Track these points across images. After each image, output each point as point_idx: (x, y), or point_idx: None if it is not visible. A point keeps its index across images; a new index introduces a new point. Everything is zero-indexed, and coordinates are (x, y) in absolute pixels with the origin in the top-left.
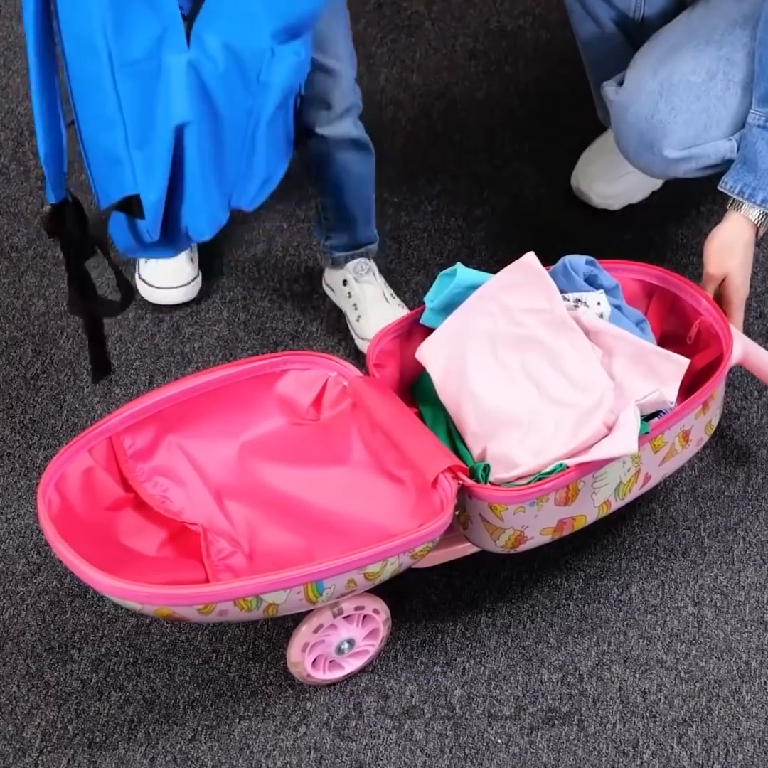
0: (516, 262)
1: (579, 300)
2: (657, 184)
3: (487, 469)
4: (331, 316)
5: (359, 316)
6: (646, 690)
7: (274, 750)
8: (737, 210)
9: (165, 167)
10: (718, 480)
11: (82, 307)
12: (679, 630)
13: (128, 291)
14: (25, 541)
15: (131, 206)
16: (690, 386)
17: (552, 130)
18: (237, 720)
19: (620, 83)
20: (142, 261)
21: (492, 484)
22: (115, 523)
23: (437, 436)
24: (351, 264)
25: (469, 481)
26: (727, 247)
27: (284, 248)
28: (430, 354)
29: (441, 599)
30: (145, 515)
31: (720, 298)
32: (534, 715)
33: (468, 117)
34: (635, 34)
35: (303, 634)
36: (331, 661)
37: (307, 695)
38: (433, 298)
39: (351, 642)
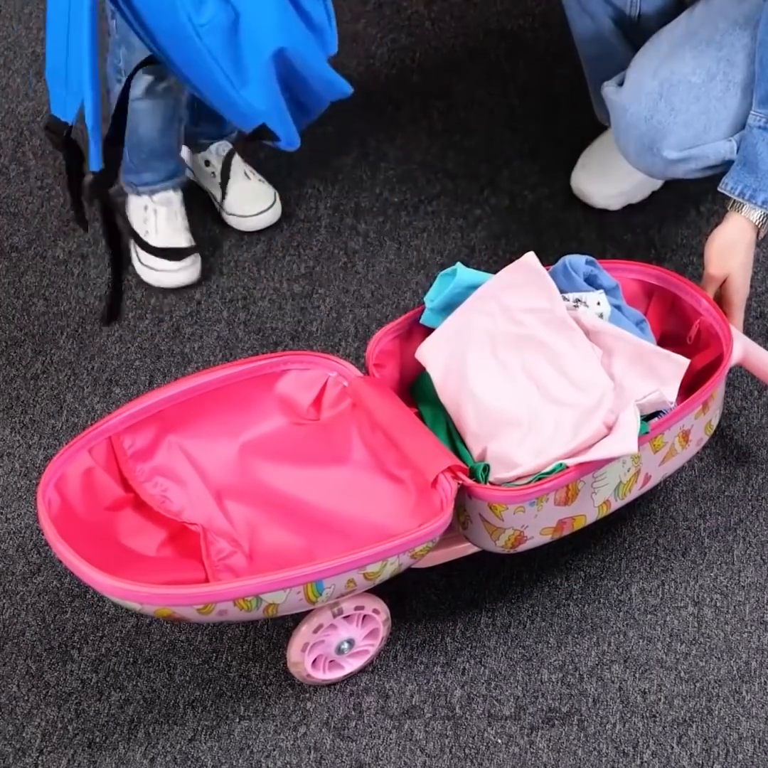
0: (516, 262)
1: (579, 300)
2: (657, 184)
3: (487, 469)
4: (330, 316)
5: (225, 194)
6: (646, 690)
7: (274, 750)
8: (738, 211)
9: (274, 93)
10: (718, 480)
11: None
12: (679, 630)
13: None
14: (25, 541)
15: (263, 134)
16: (690, 386)
17: (552, 130)
18: (237, 720)
19: (620, 83)
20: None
21: (492, 484)
22: (115, 523)
23: (437, 436)
24: (213, 146)
25: (469, 481)
26: (728, 249)
27: (284, 248)
28: (429, 354)
29: (441, 599)
30: (145, 515)
31: (720, 299)
32: (534, 715)
33: (468, 117)
34: (632, 32)
35: (303, 634)
36: (330, 661)
37: (307, 695)
38: (433, 297)
39: (351, 642)
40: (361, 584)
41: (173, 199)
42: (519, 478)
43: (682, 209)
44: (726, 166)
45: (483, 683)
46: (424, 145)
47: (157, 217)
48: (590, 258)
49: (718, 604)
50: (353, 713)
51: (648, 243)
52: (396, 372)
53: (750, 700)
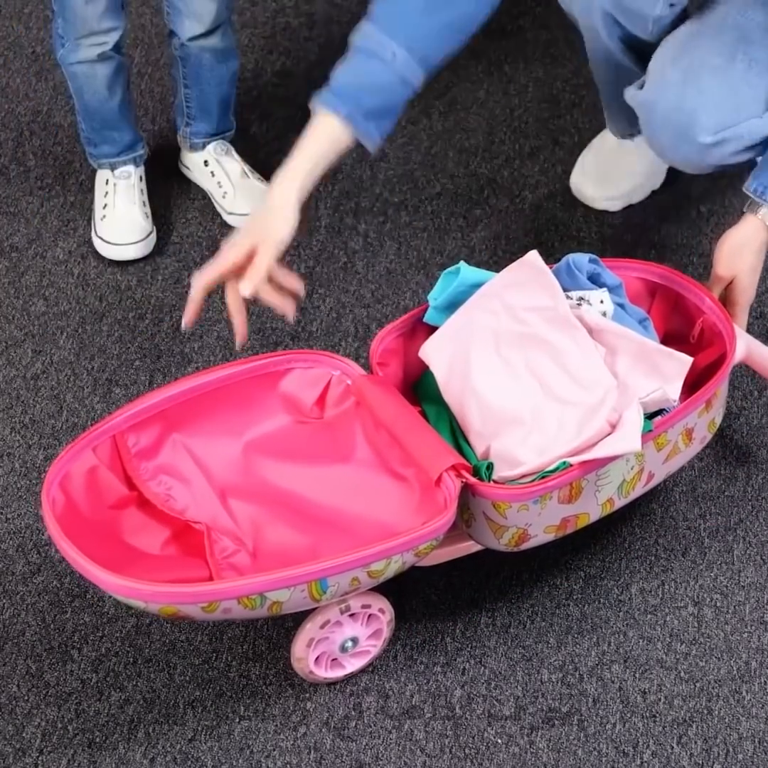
0: (519, 260)
1: (582, 298)
2: (656, 183)
3: (490, 467)
4: (330, 316)
5: (225, 193)
6: (646, 690)
7: (274, 750)
8: (754, 213)
9: None
10: (718, 480)
11: None
12: (679, 630)
13: None
14: (25, 541)
15: None
16: (693, 384)
17: (552, 130)
18: (237, 720)
19: (640, 87)
20: (98, 219)
21: (495, 482)
22: (119, 521)
23: (441, 435)
24: (210, 146)
25: (472, 480)
26: (739, 250)
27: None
28: (433, 352)
29: (441, 599)
30: (149, 514)
31: (725, 299)
32: (534, 715)
33: (468, 117)
34: (650, 52)
35: (309, 629)
36: (333, 660)
37: (307, 695)
38: (436, 296)
39: (355, 640)
40: (364, 582)
41: (133, 173)
42: (523, 476)
43: (682, 210)
44: (765, 146)
45: (483, 683)
46: (425, 146)
47: (116, 191)
48: (594, 256)
49: (718, 604)
50: (353, 713)
51: (648, 243)
52: (400, 370)
53: (750, 700)
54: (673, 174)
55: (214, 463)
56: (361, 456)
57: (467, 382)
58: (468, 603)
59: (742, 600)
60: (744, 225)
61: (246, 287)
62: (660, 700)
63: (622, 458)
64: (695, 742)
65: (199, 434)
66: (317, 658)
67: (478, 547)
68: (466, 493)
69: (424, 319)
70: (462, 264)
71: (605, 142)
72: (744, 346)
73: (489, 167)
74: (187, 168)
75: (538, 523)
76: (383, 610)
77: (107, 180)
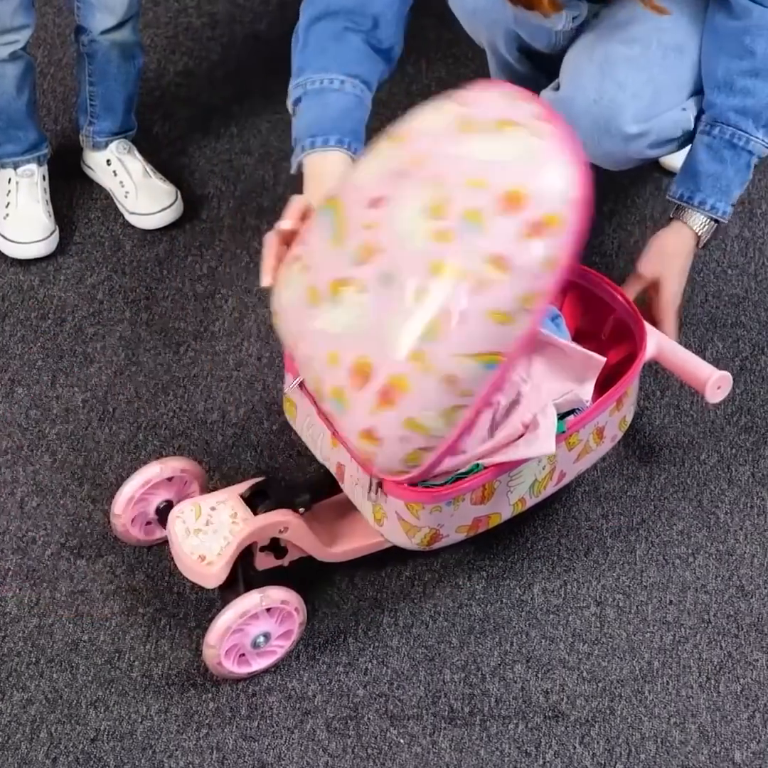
0: None
1: None
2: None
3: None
4: (233, 316)
5: (127, 193)
6: (549, 690)
7: (176, 750)
8: (681, 219)
9: None
10: (620, 480)
11: None
12: (581, 630)
13: None
14: None
15: None
16: (604, 382)
17: None
18: (139, 720)
19: (556, 88)
20: (0, 217)
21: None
22: None
23: None
24: (112, 145)
25: (387, 479)
26: (667, 254)
27: (186, 248)
28: None
29: (343, 599)
30: None
31: (652, 305)
32: (436, 715)
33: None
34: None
35: (228, 617)
36: (241, 655)
37: (210, 695)
38: None
39: (267, 636)
40: None
41: (36, 172)
42: (435, 476)
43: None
44: (687, 138)
45: (385, 683)
46: None
47: (18, 189)
48: None
49: (621, 604)
50: (255, 713)
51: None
52: None
53: (652, 700)
54: None
55: None
56: None
57: None
58: (370, 603)
59: (645, 600)
60: (669, 229)
61: None
62: (562, 700)
63: (535, 459)
64: (597, 742)
65: None
66: (228, 651)
67: (387, 545)
68: (380, 493)
69: None
70: None
71: None
72: (655, 344)
73: None
74: (90, 168)
75: (451, 524)
76: (298, 610)
77: (10, 179)
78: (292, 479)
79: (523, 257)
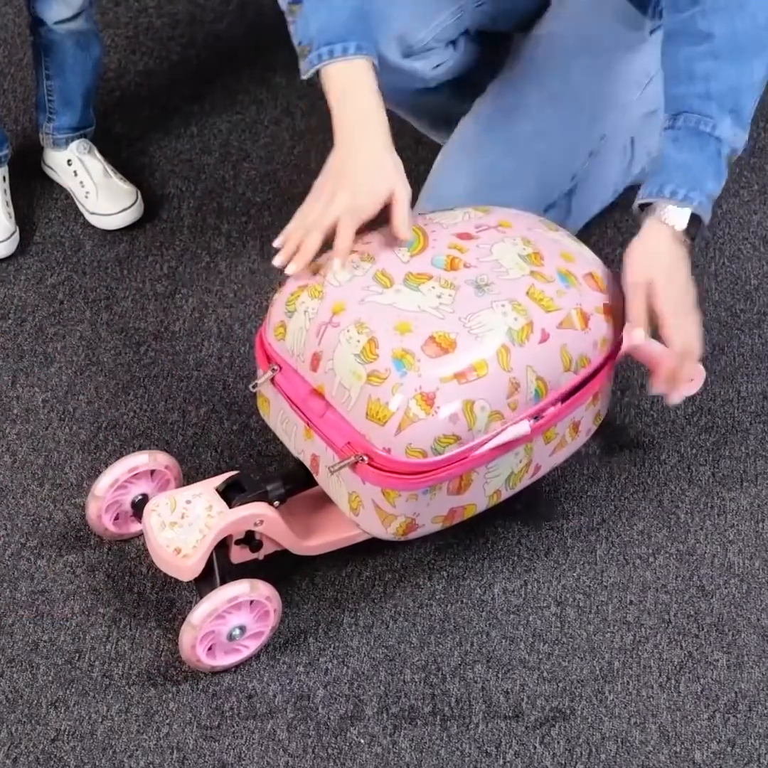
0: None
1: None
2: None
3: None
4: (193, 316)
5: (88, 193)
6: (509, 690)
7: (137, 750)
8: (651, 215)
9: None
10: (580, 480)
11: None
12: (541, 630)
13: None
14: None
15: None
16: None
17: (414, 129)
18: (100, 720)
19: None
20: None
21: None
22: None
23: None
24: (73, 144)
25: (365, 465)
26: (643, 255)
27: (147, 248)
28: None
29: (303, 599)
30: None
31: (651, 313)
32: (397, 715)
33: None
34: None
35: (215, 600)
36: (210, 647)
37: (170, 695)
38: None
39: (242, 630)
40: None
41: None
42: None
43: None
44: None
45: (346, 683)
46: (288, 145)
47: None
48: None
49: (581, 604)
50: (216, 713)
51: None
52: None
53: (613, 700)
54: None
55: None
56: None
57: None
58: (331, 603)
59: (605, 600)
60: (645, 229)
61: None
62: (523, 700)
63: (512, 451)
64: (558, 742)
65: None
66: (204, 636)
67: (364, 537)
68: (356, 479)
69: None
70: None
71: None
72: (628, 338)
73: None
74: (50, 168)
75: (427, 513)
76: (275, 612)
77: None
78: (267, 473)
79: (597, 324)
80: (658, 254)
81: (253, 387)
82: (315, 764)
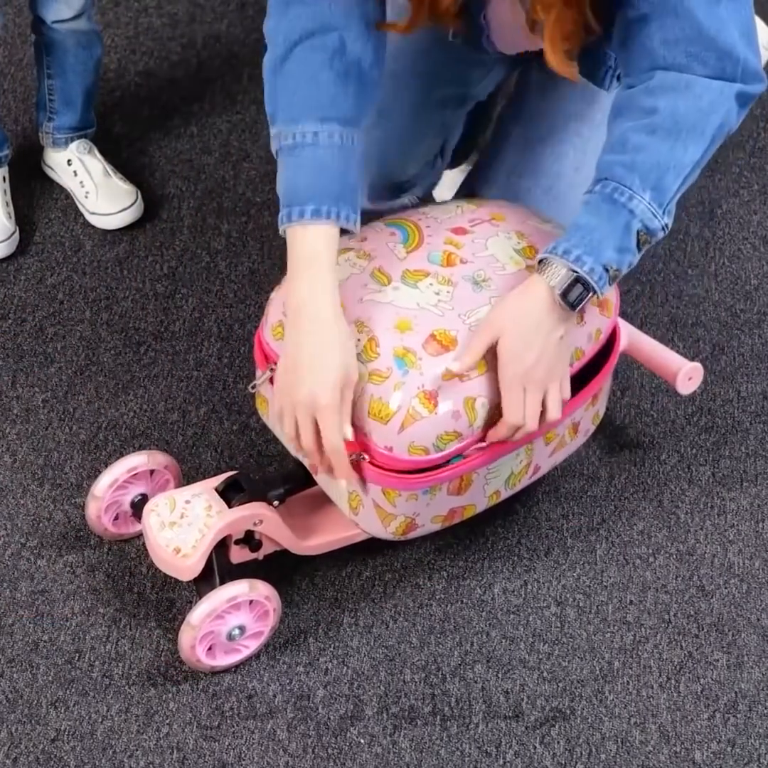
0: None
1: None
2: None
3: None
4: (193, 316)
5: (88, 193)
6: (509, 690)
7: (137, 750)
8: (537, 271)
9: None
10: (580, 480)
11: None
12: (541, 630)
13: None
14: None
15: None
16: (579, 376)
17: None
18: (100, 720)
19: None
20: None
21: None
22: None
23: None
24: (73, 144)
25: (367, 464)
26: (512, 305)
27: (147, 248)
28: None
29: (303, 599)
30: None
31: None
32: (397, 715)
33: None
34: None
35: (214, 600)
36: (209, 647)
37: (170, 695)
38: None
39: (242, 630)
40: None
41: None
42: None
43: None
44: None
45: (346, 683)
46: None
47: None
48: None
49: (581, 604)
50: (216, 713)
51: None
52: None
53: (612, 700)
54: None
55: None
56: None
57: None
58: (331, 603)
59: (605, 600)
60: (523, 285)
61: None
62: (523, 700)
63: (513, 452)
64: (558, 742)
65: None
66: (203, 636)
67: (364, 537)
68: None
69: None
70: None
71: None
72: (626, 336)
73: None
74: (50, 168)
75: (427, 513)
76: (274, 612)
77: None
78: (267, 473)
79: (591, 316)
80: (525, 313)
81: (253, 387)
82: (315, 764)
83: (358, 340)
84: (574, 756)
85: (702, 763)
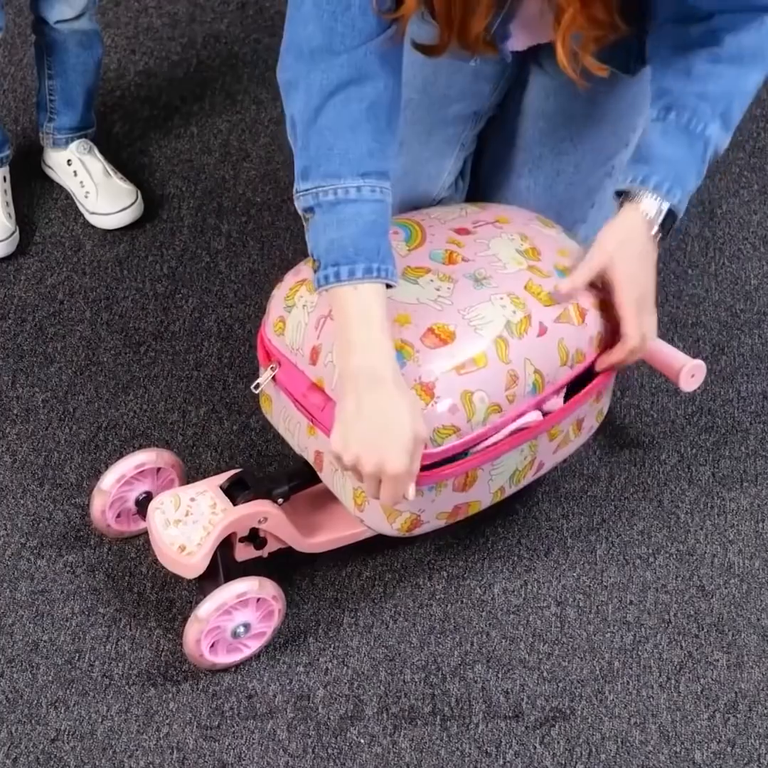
0: None
1: None
2: None
3: None
4: (193, 316)
5: (88, 193)
6: (509, 690)
7: (137, 750)
8: (629, 201)
9: None
10: (580, 480)
11: None
12: (541, 630)
13: None
14: None
15: None
16: (584, 373)
17: None
18: (100, 720)
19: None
20: None
21: None
22: None
23: None
24: (73, 144)
25: None
26: (613, 239)
27: (147, 248)
28: None
29: (303, 599)
30: None
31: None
32: (397, 715)
33: None
34: None
35: (223, 595)
36: (213, 644)
37: (170, 695)
38: None
39: (246, 628)
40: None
41: None
42: None
43: None
44: None
45: (346, 683)
46: (288, 145)
47: None
48: None
49: (581, 604)
50: (216, 713)
51: None
52: None
53: (613, 700)
54: None
55: None
56: None
57: None
58: (331, 603)
59: (605, 600)
60: (621, 216)
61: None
62: (523, 700)
63: (517, 449)
64: (558, 742)
65: None
66: (208, 631)
67: (368, 534)
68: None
69: None
70: None
71: None
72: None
73: None
74: (50, 168)
75: (432, 510)
76: (279, 612)
77: None
78: (271, 470)
79: (593, 320)
80: (630, 241)
81: (256, 387)
82: (315, 764)
83: None
84: (574, 756)
85: (702, 763)
